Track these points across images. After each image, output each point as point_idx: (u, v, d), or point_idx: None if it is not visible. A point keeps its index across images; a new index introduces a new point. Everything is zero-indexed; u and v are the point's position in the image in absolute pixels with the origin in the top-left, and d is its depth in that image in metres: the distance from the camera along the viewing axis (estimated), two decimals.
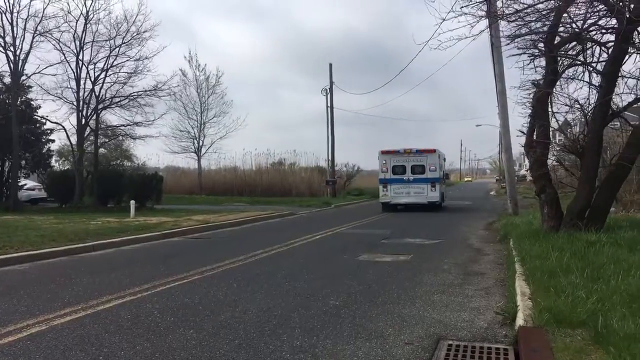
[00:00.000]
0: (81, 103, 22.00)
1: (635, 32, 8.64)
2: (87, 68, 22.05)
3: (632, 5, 8.19)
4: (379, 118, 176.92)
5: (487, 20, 10.12)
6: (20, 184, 22.37)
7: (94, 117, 22.83)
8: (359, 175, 41.48)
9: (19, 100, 21.71)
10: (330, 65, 35.39)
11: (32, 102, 22.86)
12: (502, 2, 9.56)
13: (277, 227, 15.55)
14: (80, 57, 21.81)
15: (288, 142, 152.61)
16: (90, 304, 5.61)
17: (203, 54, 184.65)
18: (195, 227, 13.95)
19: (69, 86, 21.91)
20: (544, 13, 8.86)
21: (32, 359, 3.94)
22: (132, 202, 17.75)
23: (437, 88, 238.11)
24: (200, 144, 37.28)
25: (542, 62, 9.93)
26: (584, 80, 9.79)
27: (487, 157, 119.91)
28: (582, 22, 8.99)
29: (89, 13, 21.37)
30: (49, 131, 23.94)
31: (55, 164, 29.24)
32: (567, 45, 9.75)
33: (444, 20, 9.30)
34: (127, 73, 22.83)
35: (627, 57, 8.99)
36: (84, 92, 22.11)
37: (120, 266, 8.35)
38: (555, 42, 9.44)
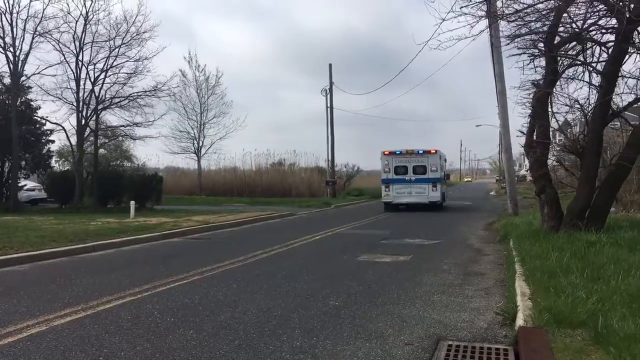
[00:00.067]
0: (81, 104, 22.01)
1: (635, 32, 8.64)
2: (86, 69, 22.09)
3: (632, 5, 8.19)
4: (379, 118, 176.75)
5: (487, 20, 10.12)
6: (20, 184, 22.37)
7: (94, 117, 22.84)
8: (359, 175, 41.51)
9: (19, 100, 21.72)
10: (330, 65, 35.43)
11: (31, 103, 22.90)
12: (502, 2, 9.58)
13: (276, 228, 15.54)
14: (80, 57, 21.84)
15: (288, 142, 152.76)
16: (91, 304, 5.61)
17: (203, 54, 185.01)
18: (195, 228, 13.95)
19: (68, 87, 21.97)
20: (543, 13, 8.86)
21: (32, 359, 3.94)
22: (132, 202, 17.76)
23: (437, 88, 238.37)
24: (200, 144, 37.33)
25: (542, 62, 9.94)
26: (584, 80, 9.81)
27: (487, 157, 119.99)
28: (582, 22, 8.99)
29: (89, 14, 21.41)
30: (48, 132, 24.00)
31: (55, 164, 29.28)
32: (567, 45, 9.75)
33: (443, 20, 9.31)
34: (127, 74, 22.87)
35: (627, 57, 8.99)
36: (84, 92, 22.15)
37: (121, 267, 8.35)
38: (555, 42, 9.44)
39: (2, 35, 19.90)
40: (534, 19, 8.98)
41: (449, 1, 9.13)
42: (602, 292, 4.88)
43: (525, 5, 8.79)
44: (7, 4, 19.80)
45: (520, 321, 4.40)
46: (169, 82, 24.02)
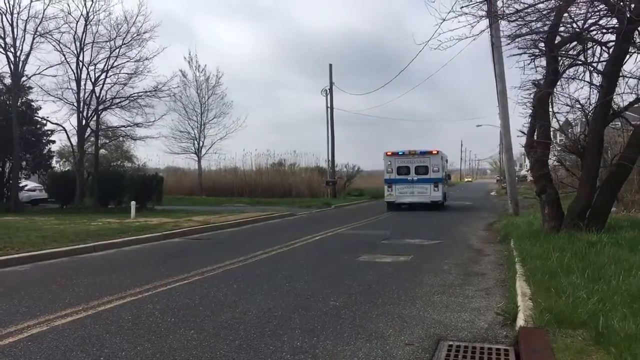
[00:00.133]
0: (81, 104, 22.02)
1: (636, 32, 8.63)
2: (87, 69, 22.11)
3: (632, 5, 8.18)
4: (379, 118, 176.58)
5: (488, 20, 10.11)
6: (21, 185, 22.42)
7: (95, 118, 22.88)
8: (359, 175, 41.49)
9: (20, 101, 21.77)
10: (330, 65, 35.44)
11: (32, 103, 22.95)
12: (503, 1, 9.57)
13: (277, 228, 15.55)
14: (81, 58, 21.87)
15: (288, 142, 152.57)
16: (92, 304, 5.61)
17: (203, 54, 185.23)
18: (195, 228, 13.95)
19: (69, 87, 21.99)
20: (544, 13, 8.86)
21: (33, 359, 3.94)
22: (133, 203, 17.78)
23: (437, 88, 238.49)
24: (201, 144, 37.38)
25: (543, 61, 9.93)
26: (584, 80, 9.80)
27: (487, 157, 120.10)
28: (582, 21, 8.99)
29: (89, 14, 21.44)
30: (49, 132, 24.05)
31: (56, 165, 29.39)
32: (567, 45, 9.74)
33: (444, 20, 9.30)
34: (128, 74, 22.90)
35: (627, 56, 8.97)
36: (85, 93, 22.18)
37: (121, 267, 8.35)
38: (556, 41, 9.43)
39: (2, 35, 19.94)
40: (534, 18, 8.97)
41: (450, 1, 9.10)
42: (603, 292, 4.88)
43: (526, 5, 8.80)
44: (7, 5, 19.88)
45: (520, 321, 4.40)
46: (169, 83, 24.09)
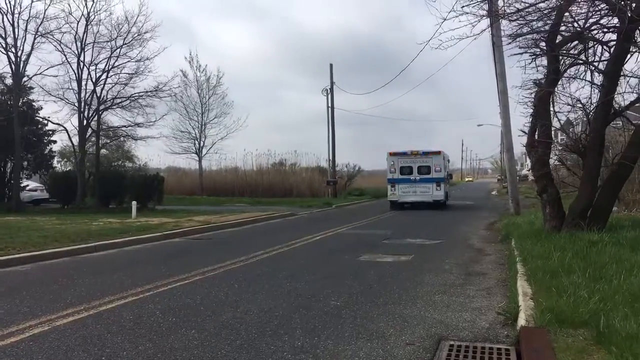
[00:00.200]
0: (83, 104, 22.07)
1: (637, 31, 8.62)
2: (88, 69, 22.16)
3: (633, 4, 8.17)
4: (380, 118, 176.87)
5: (489, 19, 10.11)
6: (22, 185, 22.45)
7: (96, 118, 22.90)
8: (360, 175, 41.49)
9: (21, 101, 21.80)
10: (331, 65, 35.46)
11: (33, 104, 22.99)
12: (504, 1, 9.56)
13: (278, 228, 15.55)
14: (82, 58, 21.92)
15: (289, 142, 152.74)
16: (93, 304, 5.62)
17: (204, 54, 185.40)
18: (196, 228, 13.96)
19: (70, 87, 22.04)
20: (545, 12, 8.85)
21: (34, 359, 3.95)
22: (134, 202, 17.81)
23: (438, 88, 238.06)
24: (201, 144, 37.42)
25: (544, 61, 9.91)
26: (585, 80, 9.78)
27: (488, 156, 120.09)
28: (583, 21, 8.97)
29: (90, 14, 21.49)
30: (50, 132, 24.11)
31: (57, 165, 29.43)
32: (568, 44, 9.73)
33: (445, 19, 9.27)
34: (128, 74, 22.95)
35: (629, 56, 8.96)
36: (86, 93, 22.22)
37: (123, 267, 8.36)
38: (557, 41, 9.42)
39: (4, 35, 19.98)
40: (535, 18, 8.96)
41: (451, 0, 9.10)
42: (604, 291, 4.87)
43: (527, 5, 8.78)
44: (8, 5, 19.92)
45: (522, 321, 4.39)
46: (170, 83, 24.12)
